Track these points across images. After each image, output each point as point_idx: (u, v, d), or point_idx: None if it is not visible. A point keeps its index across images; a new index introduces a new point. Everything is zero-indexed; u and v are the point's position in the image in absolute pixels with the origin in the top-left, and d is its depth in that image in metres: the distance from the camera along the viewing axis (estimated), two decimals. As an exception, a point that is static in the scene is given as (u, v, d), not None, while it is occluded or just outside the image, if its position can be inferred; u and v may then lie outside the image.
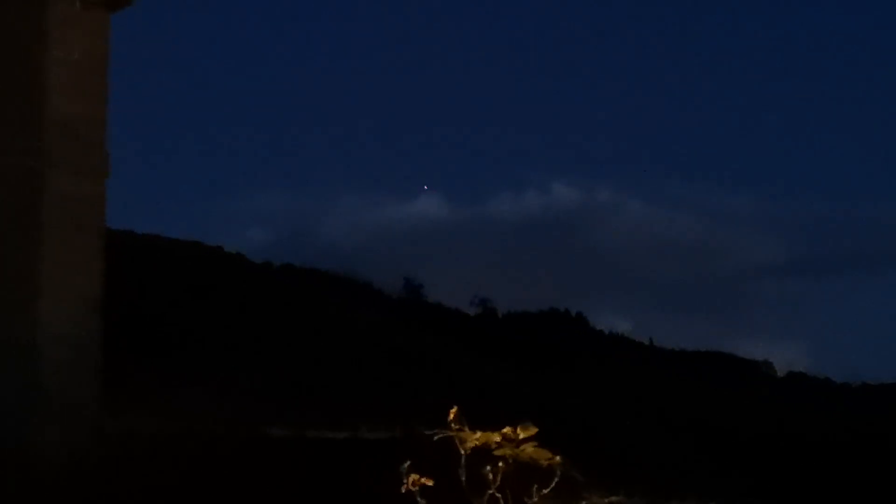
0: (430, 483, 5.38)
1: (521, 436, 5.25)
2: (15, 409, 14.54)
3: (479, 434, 5.21)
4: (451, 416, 5.29)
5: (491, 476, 5.30)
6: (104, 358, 15.32)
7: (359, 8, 65.88)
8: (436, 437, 5.30)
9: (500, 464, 5.31)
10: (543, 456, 5.22)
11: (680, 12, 68.70)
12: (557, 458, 5.24)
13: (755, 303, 60.48)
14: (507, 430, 5.27)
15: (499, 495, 5.24)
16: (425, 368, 25.35)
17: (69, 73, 15.88)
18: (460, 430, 5.26)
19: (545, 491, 5.27)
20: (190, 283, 24.19)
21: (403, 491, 5.39)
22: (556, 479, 5.22)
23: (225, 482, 15.19)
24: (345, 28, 68.33)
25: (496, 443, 5.23)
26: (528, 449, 5.22)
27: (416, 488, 5.37)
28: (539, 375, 29.61)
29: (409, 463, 5.46)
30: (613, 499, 5.69)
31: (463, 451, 5.24)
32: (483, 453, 5.25)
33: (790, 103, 68.83)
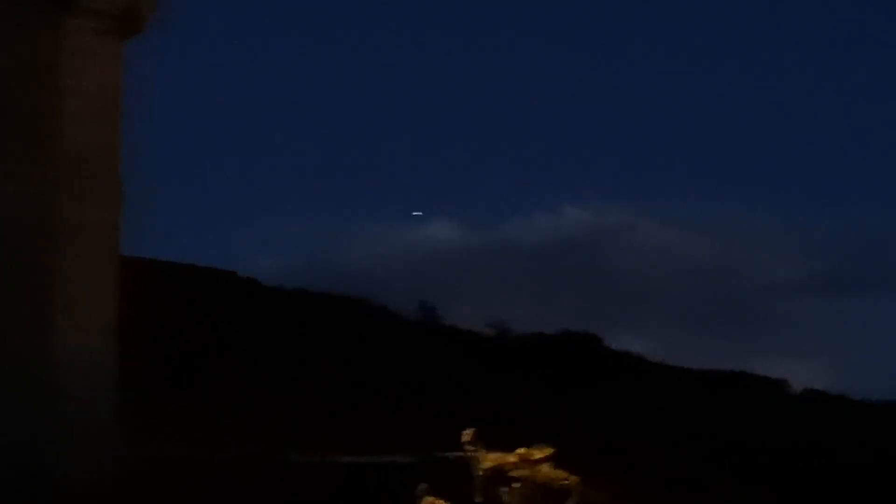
0: (447, 505, 5.42)
1: (537, 456, 5.28)
2: (35, 437, 14.59)
3: (494, 455, 5.24)
4: (468, 437, 5.32)
5: (507, 497, 5.33)
6: (125, 386, 15.38)
7: (369, 32, 65.92)
8: (450, 458, 5.34)
9: (517, 484, 5.34)
10: (559, 476, 5.26)
11: (692, 33, 68.63)
12: (573, 478, 5.27)
13: (771, 321, 60.23)
14: (522, 450, 5.30)
15: (516, 516, 5.27)
16: (443, 390, 25.34)
17: (83, 102, 15.98)
18: (476, 451, 5.29)
19: (561, 510, 5.29)
20: (208, 309, 24.23)
21: (421, 513, 5.42)
22: (572, 499, 5.25)
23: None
24: (355, 51, 68.32)
25: (512, 464, 5.26)
26: (544, 469, 5.26)
27: (433, 510, 5.41)
28: (556, 395, 29.57)
29: (425, 485, 5.50)
30: (629, 517, 5.72)
31: (479, 473, 5.28)
32: (501, 474, 5.28)
33: (806, 121, 68.62)
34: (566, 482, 5.04)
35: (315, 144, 67.59)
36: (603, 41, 71.61)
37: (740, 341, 55.79)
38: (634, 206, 74.02)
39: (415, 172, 67.81)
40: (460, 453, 5.16)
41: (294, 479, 15.64)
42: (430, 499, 5.42)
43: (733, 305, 61.28)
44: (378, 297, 35.36)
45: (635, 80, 71.93)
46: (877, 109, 70.24)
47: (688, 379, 36.62)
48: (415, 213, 62.55)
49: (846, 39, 70.36)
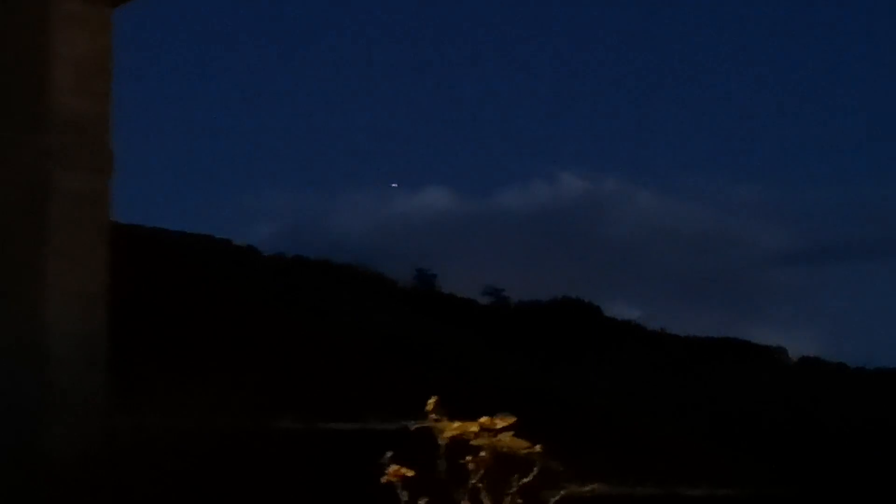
0: (411, 474, 5.39)
1: (499, 425, 5.24)
2: (22, 407, 14.59)
3: (456, 424, 5.21)
4: (430, 406, 5.29)
5: (473, 466, 5.30)
6: (113, 355, 15.37)
7: (362, 1, 65.62)
8: (412, 428, 5.32)
9: (483, 454, 5.31)
10: (521, 445, 5.21)
11: (685, 2, 68.29)
12: (537, 447, 5.23)
13: (766, 291, 60.26)
14: (484, 419, 5.26)
15: (480, 485, 5.24)
16: (437, 358, 25.36)
17: (73, 70, 15.91)
18: (438, 420, 5.25)
19: (525, 480, 5.27)
20: (200, 276, 24.22)
21: (384, 482, 5.40)
22: (536, 469, 5.21)
23: (235, 476, 15.25)
24: (348, 21, 68.09)
25: (473, 433, 5.22)
26: (506, 439, 5.21)
27: (398, 479, 5.38)
28: (552, 363, 29.60)
29: (391, 454, 5.47)
30: (593, 487, 5.69)
31: (441, 442, 5.25)
32: (463, 443, 5.26)
33: (795, 90, 68.42)
34: (529, 451, 5.02)
35: (307, 111, 67.44)
36: (600, 14, 71.40)
37: (734, 310, 55.88)
38: (629, 174, 73.95)
39: (408, 140, 67.73)
40: (423, 422, 5.15)
41: (283, 446, 15.66)
42: (394, 467, 5.39)
43: (727, 275, 61.34)
44: (374, 265, 35.34)
45: (630, 48, 71.80)
46: (870, 81, 70.14)
47: (686, 347, 36.66)
48: (392, 185, 62.53)
49: (838, 14, 70.19)
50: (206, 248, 27.20)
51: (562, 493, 5.35)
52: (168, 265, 23.30)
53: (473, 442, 5.21)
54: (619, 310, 39.65)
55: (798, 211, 69.29)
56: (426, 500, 5.39)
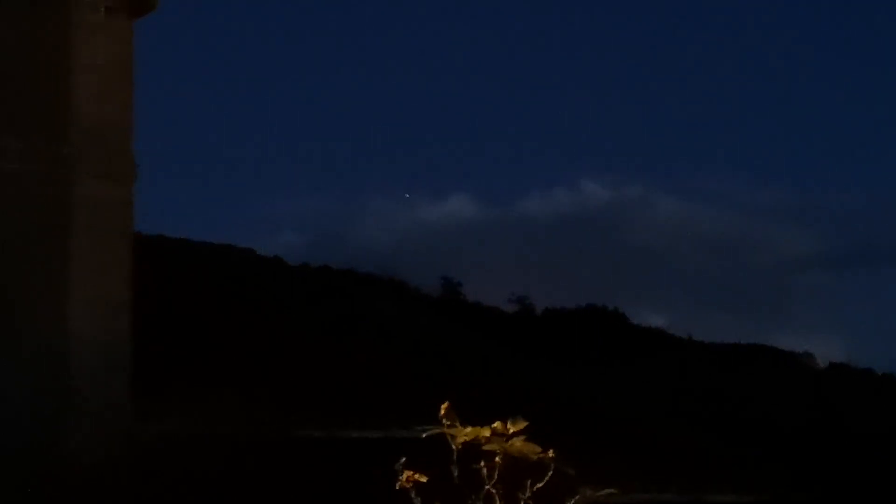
0: (425, 480, 5.38)
1: (512, 430, 5.24)
2: (47, 412, 14.67)
3: (469, 429, 5.20)
4: (442, 411, 5.29)
5: (485, 471, 5.29)
6: (136, 362, 15.42)
7: (383, 8, 65.67)
8: (424, 434, 5.31)
9: (498, 458, 5.30)
10: (532, 450, 5.20)
11: (706, 3, 68.04)
12: (549, 452, 5.22)
13: (792, 296, 59.95)
14: (497, 424, 5.26)
15: (493, 491, 5.24)
16: (463, 366, 25.33)
17: (95, 79, 16.01)
18: (451, 425, 5.25)
19: (539, 485, 5.25)
20: (222, 285, 24.26)
21: (398, 488, 5.39)
22: (550, 474, 5.20)
23: (254, 482, 15.28)
24: (370, 29, 68.16)
25: (486, 438, 5.22)
26: (517, 443, 5.20)
27: (411, 485, 5.37)
28: (578, 371, 29.53)
29: (404, 459, 5.47)
30: (608, 492, 5.68)
31: (454, 447, 5.25)
32: (476, 448, 5.25)
33: (822, 95, 68.11)
34: (542, 456, 5.02)
35: (331, 120, 67.53)
36: (619, 17, 71.30)
37: (760, 316, 55.62)
38: (652, 180, 73.81)
39: (432, 148, 67.71)
40: (434, 427, 5.15)
41: (304, 454, 15.68)
42: (407, 473, 5.39)
43: (752, 280, 61.07)
44: (399, 273, 35.21)
45: (651, 53, 71.59)
46: (894, 83, 69.80)
47: (712, 354, 36.52)
48: (405, 196, 62.66)
49: (859, 19, 69.97)
50: (230, 257, 27.25)
51: (576, 497, 5.34)
52: (192, 275, 23.34)
53: (485, 447, 5.20)
54: (645, 317, 39.50)
55: (823, 215, 69.05)
56: (440, 505, 5.39)
